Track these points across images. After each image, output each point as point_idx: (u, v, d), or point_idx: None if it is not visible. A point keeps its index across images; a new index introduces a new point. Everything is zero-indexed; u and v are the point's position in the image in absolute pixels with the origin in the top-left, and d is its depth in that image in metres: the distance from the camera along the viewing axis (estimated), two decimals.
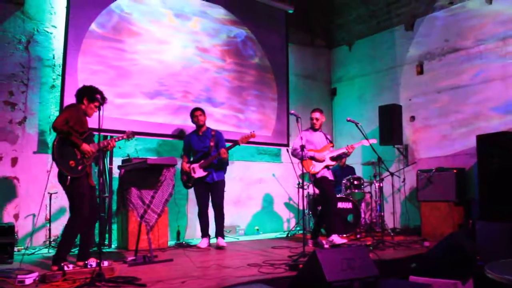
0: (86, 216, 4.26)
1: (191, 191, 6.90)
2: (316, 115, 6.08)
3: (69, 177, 4.16)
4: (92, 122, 4.59)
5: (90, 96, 4.42)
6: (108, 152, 6.30)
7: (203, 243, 6.05)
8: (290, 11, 8.63)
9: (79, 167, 4.24)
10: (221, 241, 6.03)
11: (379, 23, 8.83)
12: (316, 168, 5.89)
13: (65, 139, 4.18)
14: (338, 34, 9.74)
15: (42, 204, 5.43)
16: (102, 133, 4.22)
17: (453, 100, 7.49)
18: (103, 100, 4.27)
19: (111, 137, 4.83)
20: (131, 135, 4.76)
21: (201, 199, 6.15)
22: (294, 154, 5.88)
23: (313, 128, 6.13)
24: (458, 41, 7.47)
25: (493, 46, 7.02)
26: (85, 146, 4.28)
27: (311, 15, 9.62)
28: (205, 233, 6.15)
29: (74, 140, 4.21)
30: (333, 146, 6.15)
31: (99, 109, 4.00)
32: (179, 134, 6.90)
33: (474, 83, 7.22)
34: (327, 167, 5.98)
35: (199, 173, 6.08)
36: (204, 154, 6.13)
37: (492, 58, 7.02)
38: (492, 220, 5.84)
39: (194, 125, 6.34)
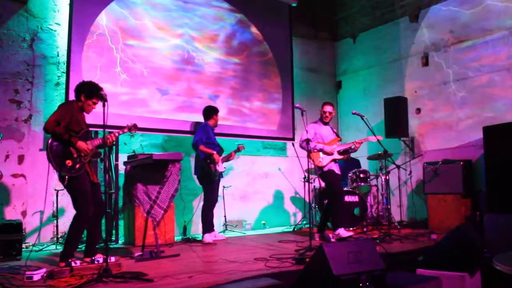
0: (90, 213, 4.24)
1: (192, 187, 6.94)
2: (329, 108, 6.08)
3: (66, 176, 4.13)
4: (97, 119, 4.58)
5: (88, 92, 4.35)
6: (114, 149, 6.31)
7: (213, 236, 6.13)
8: (294, 4, 8.59)
9: (77, 166, 4.20)
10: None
11: (383, 14, 8.77)
12: (324, 161, 5.88)
13: (58, 139, 4.15)
14: (342, 27, 9.69)
15: (46, 201, 5.47)
16: (107, 130, 4.19)
17: (459, 91, 7.44)
18: (102, 96, 4.17)
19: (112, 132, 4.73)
20: (133, 128, 4.63)
21: (217, 192, 6.24)
22: (302, 146, 5.85)
23: (323, 121, 6.10)
24: (464, 32, 7.41)
25: (499, 36, 6.95)
26: (81, 144, 4.22)
27: (315, 8, 9.58)
28: (213, 227, 6.23)
29: (68, 140, 4.16)
30: (340, 140, 6.13)
31: (104, 106, 3.93)
32: (184, 129, 6.91)
33: (480, 74, 7.16)
34: (334, 160, 5.97)
35: (222, 167, 6.21)
36: (220, 149, 6.22)
37: (498, 48, 6.96)
38: (499, 212, 5.81)
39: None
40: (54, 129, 4.10)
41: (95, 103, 4.40)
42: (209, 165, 6.01)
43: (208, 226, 6.10)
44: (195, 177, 6.40)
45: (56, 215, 5.92)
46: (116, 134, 4.53)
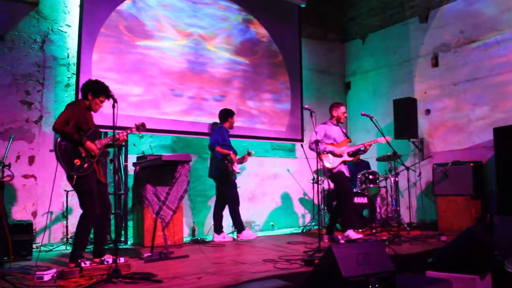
0: (97, 213, 4.25)
1: (202, 188, 6.97)
2: (345, 109, 6.09)
3: (75, 176, 4.15)
4: (106, 119, 4.60)
5: (95, 90, 4.36)
6: (123, 150, 6.33)
7: (222, 237, 6.31)
8: (303, 5, 8.59)
9: (85, 165, 4.20)
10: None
11: (392, 15, 8.74)
12: (334, 163, 5.86)
13: (67, 139, 4.17)
14: (351, 28, 9.67)
15: (56, 202, 5.48)
16: (116, 131, 4.21)
17: (469, 92, 7.38)
18: (108, 94, 4.16)
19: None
20: (141, 127, 4.59)
21: (237, 190, 6.46)
22: (312, 148, 5.83)
23: (337, 122, 6.06)
24: (474, 32, 7.35)
25: (510, 35, 6.89)
26: (89, 144, 4.22)
27: (324, 9, 9.56)
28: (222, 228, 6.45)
29: (79, 140, 4.16)
30: (350, 141, 6.10)
31: (113, 107, 3.96)
32: (193, 130, 6.94)
33: (491, 75, 7.10)
34: (344, 162, 5.94)
35: (238, 168, 6.38)
36: (234, 151, 6.36)
37: (510, 48, 6.89)
38: (510, 213, 5.75)
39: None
40: (63, 129, 4.12)
41: (102, 102, 4.41)
42: (227, 165, 6.17)
43: (240, 225, 6.35)
44: (210, 179, 6.46)
45: (65, 216, 5.96)
46: (125, 133, 4.52)
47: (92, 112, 4.51)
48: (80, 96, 4.58)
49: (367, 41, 9.32)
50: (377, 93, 8.97)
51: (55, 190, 5.72)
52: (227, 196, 6.30)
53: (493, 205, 6.57)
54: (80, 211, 4.30)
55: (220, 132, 6.33)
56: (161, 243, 5.19)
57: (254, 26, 7.95)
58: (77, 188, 4.26)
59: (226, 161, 6.18)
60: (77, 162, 4.16)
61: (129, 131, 4.57)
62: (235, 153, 6.35)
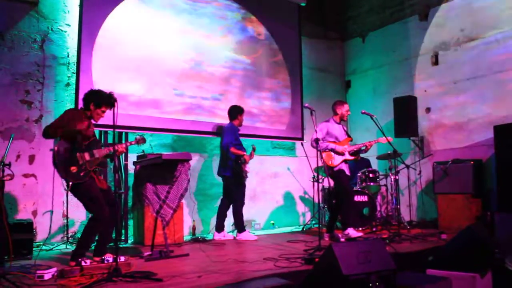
0: (107, 214, 4.24)
1: (202, 187, 6.96)
2: (348, 107, 6.08)
3: (70, 182, 4.14)
4: (106, 119, 4.61)
5: (97, 101, 4.34)
6: None
7: (222, 236, 6.33)
8: (303, 4, 8.57)
9: (82, 173, 4.17)
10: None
11: (392, 14, 8.73)
12: (335, 161, 5.86)
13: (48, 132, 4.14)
14: (351, 26, 9.66)
15: (56, 201, 5.50)
16: (117, 130, 4.21)
17: (469, 90, 7.38)
18: (112, 103, 4.10)
19: (126, 136, 4.74)
20: (141, 140, 4.67)
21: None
22: (313, 146, 5.82)
23: (340, 120, 6.07)
24: (474, 30, 7.35)
25: (510, 34, 6.88)
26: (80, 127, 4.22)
27: (324, 7, 9.56)
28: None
29: (68, 130, 4.13)
30: (351, 140, 6.09)
31: (113, 106, 3.96)
32: (193, 129, 6.93)
33: (491, 73, 7.09)
34: (345, 161, 5.94)
35: (248, 168, 6.37)
36: (244, 150, 6.35)
37: (510, 46, 6.88)
38: (510, 211, 5.75)
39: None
40: (48, 127, 4.14)
41: (103, 112, 4.41)
42: (240, 166, 6.17)
43: (242, 225, 6.30)
44: (218, 178, 6.48)
45: (66, 215, 5.96)
46: (124, 146, 4.57)
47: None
48: (82, 97, 4.57)
49: (367, 39, 9.32)
50: (377, 91, 8.97)
51: (55, 189, 5.74)
52: (235, 196, 6.27)
53: (493, 203, 6.57)
54: (81, 211, 4.29)
55: (233, 131, 6.31)
56: (161, 241, 5.19)
57: (253, 25, 7.94)
58: (80, 197, 4.27)
59: (239, 162, 6.17)
60: (73, 169, 4.13)
61: (128, 144, 4.62)
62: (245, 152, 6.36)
